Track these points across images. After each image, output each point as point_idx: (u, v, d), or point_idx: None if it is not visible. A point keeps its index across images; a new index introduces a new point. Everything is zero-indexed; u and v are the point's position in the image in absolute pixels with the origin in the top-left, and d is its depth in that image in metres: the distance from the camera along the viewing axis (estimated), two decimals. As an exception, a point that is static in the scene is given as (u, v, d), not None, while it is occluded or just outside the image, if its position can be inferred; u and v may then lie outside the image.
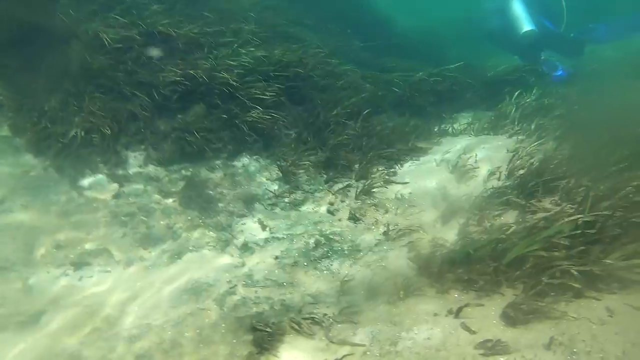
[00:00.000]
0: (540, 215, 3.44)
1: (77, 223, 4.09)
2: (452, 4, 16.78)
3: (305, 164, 5.08)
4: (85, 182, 4.45)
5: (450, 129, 5.91)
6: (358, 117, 5.55)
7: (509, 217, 3.66)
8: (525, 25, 7.61)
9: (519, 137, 5.02)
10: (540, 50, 8.08)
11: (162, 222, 4.29)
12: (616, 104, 4.28)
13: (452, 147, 5.21)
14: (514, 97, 6.50)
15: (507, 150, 4.76)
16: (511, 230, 3.17)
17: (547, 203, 3.59)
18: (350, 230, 4.21)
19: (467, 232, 3.65)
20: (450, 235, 3.79)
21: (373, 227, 4.17)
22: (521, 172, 4.26)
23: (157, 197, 4.54)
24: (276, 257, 3.87)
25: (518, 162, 4.31)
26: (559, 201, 3.52)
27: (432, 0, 17.33)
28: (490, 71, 7.14)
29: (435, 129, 5.94)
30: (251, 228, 4.43)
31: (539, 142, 4.65)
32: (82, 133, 4.55)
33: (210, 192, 4.74)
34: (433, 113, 6.61)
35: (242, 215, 4.58)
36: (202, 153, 4.99)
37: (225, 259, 3.91)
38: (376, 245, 3.86)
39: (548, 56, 7.75)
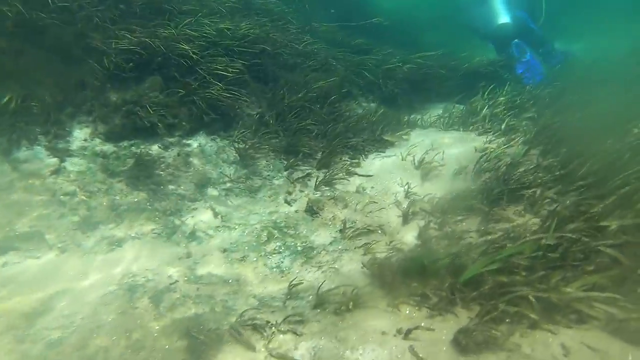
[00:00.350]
0: (503, 226, 3.30)
1: (7, 201, 3.72)
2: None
3: (265, 148, 4.81)
4: (21, 154, 4.05)
5: (419, 121, 5.72)
6: (325, 101, 5.28)
7: (472, 224, 3.51)
8: (502, 17, 7.64)
9: (489, 137, 4.87)
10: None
11: (105, 204, 3.97)
12: (589, 112, 4.16)
13: (420, 140, 5.02)
14: (486, 92, 6.36)
15: (475, 150, 4.61)
16: (471, 241, 3.02)
17: (511, 212, 3.46)
18: (306, 224, 3.99)
19: (427, 236, 3.49)
20: (409, 237, 3.62)
21: (330, 222, 3.96)
22: (487, 175, 4.12)
23: (101, 175, 4.20)
24: (224, 250, 3.63)
25: (485, 164, 4.16)
26: (523, 212, 3.39)
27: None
28: (465, 63, 6.93)
29: (405, 120, 5.73)
30: (202, 215, 4.16)
31: (508, 145, 4.51)
32: (19, 100, 4.13)
33: (161, 172, 4.42)
34: (404, 101, 6.39)
35: (194, 200, 4.30)
36: (156, 129, 4.64)
37: (170, 249, 3.64)
38: (331, 243, 3.65)
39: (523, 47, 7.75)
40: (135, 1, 5.09)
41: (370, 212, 4.02)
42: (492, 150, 4.33)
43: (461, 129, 5.34)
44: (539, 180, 3.52)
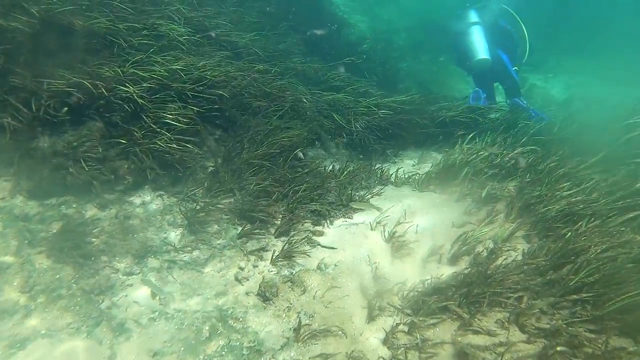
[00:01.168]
0: (482, 340, 2.82)
1: None
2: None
3: (217, 210, 4.23)
4: None
5: (393, 176, 5.23)
6: (289, 154, 4.75)
7: (446, 331, 3.03)
8: (481, 53, 7.60)
9: (468, 205, 4.41)
10: (490, 80, 8.22)
11: (15, 284, 3.33)
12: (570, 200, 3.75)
13: (392, 205, 4.53)
14: (465, 142, 5.95)
15: (453, 224, 4.14)
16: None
17: (492, 321, 2.98)
18: (257, 314, 3.43)
19: (394, 345, 2.98)
20: (373, 342, 3.12)
21: (284, 314, 3.41)
22: (466, 260, 3.65)
23: (15, 244, 3.55)
24: (154, 355, 3.04)
25: (464, 248, 3.69)
26: (507, 323, 2.92)
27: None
28: (443, 109, 6.50)
29: (377, 174, 5.23)
30: (138, 293, 3.56)
31: (489, 219, 4.06)
32: None
33: (94, 240, 3.80)
34: (377, 149, 5.91)
35: (130, 273, 3.69)
36: (91, 185, 4.03)
37: (88, 349, 3.03)
38: (282, 348, 3.11)
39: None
40: (76, 32, 4.45)
41: (331, 302, 3.48)
42: (470, 232, 3.85)
43: (438, 191, 4.88)
44: (526, 284, 3.06)
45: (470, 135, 6.11)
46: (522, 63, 8.35)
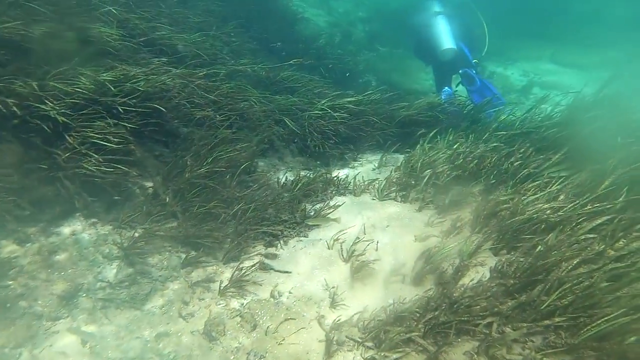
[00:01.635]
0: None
1: None
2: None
3: (158, 237, 3.81)
4: None
5: (351, 184, 4.90)
6: (237, 170, 4.35)
7: (410, 368, 2.73)
8: (447, 43, 7.51)
9: (431, 215, 4.13)
10: (450, 72, 8.02)
11: None
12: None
13: (351, 218, 4.22)
14: (426, 142, 5.69)
15: (415, 238, 3.86)
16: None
17: (460, 353, 2.70)
18: (202, 357, 3.05)
19: (354, 389, 2.66)
20: (332, 385, 2.79)
21: (232, 356, 3.04)
22: (430, 280, 3.37)
23: None
24: (79, 422, 2.63)
25: (428, 267, 3.40)
26: (477, 355, 2.64)
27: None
28: (403, 107, 6.21)
29: (334, 183, 4.90)
30: (64, 341, 3.13)
31: (454, 234, 3.79)
32: None
33: (9, 283, 3.33)
34: (334, 154, 5.58)
35: (56, 318, 3.25)
36: (5, 217, 3.54)
37: (0, 421, 2.59)
38: (230, 401, 2.75)
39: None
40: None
41: (285, 338, 3.13)
42: (434, 247, 3.56)
43: (399, 199, 4.58)
44: (495, 309, 2.79)
45: (432, 134, 5.86)
46: (482, 56, 8.22)
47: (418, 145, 5.75)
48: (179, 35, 5.87)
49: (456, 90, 7.93)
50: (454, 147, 5.31)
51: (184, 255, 3.74)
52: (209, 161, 4.17)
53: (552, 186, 3.82)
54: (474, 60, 7.78)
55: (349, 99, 5.91)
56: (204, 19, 7.16)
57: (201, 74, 5.15)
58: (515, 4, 17.09)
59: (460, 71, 7.72)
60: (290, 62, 7.26)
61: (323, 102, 5.82)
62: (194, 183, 4.00)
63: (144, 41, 5.21)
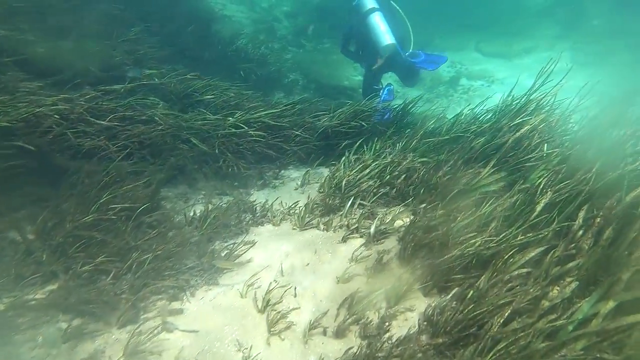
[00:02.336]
0: None
1: None
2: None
3: (33, 305, 3.17)
4: None
5: (269, 211, 4.44)
6: (132, 212, 3.76)
7: None
8: (388, 38, 7.37)
9: (356, 248, 3.74)
10: (385, 69, 8.02)
11: None
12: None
13: (268, 256, 3.76)
14: (352, 153, 5.33)
15: (338, 279, 3.45)
16: None
17: None
18: None
19: None
20: None
21: None
22: (354, 332, 2.98)
23: None
24: None
25: (350, 318, 3.01)
26: None
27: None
28: (325, 118, 5.79)
29: (252, 213, 4.41)
30: None
31: (380, 271, 3.42)
32: None
33: None
34: (251, 174, 5.09)
35: None
36: None
37: None
38: None
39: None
40: None
41: None
42: (358, 290, 3.18)
43: (322, 226, 4.17)
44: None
45: (357, 144, 5.50)
46: (409, 52, 8.04)
47: (344, 158, 5.38)
48: (67, 49, 5.11)
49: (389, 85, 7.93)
50: (381, 159, 4.98)
51: (65, 326, 3.12)
52: (97, 206, 3.55)
53: (483, 207, 3.53)
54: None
55: (266, 112, 5.41)
56: (101, 27, 6.37)
57: (90, 95, 4.46)
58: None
59: (406, 54, 7.75)
60: (211, 65, 6.63)
61: (237, 116, 5.29)
62: (78, 235, 3.38)
63: (17, 61, 4.44)
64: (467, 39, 14.64)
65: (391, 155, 5.12)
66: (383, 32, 7.41)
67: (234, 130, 5.08)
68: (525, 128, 4.31)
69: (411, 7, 8.34)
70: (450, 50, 14.22)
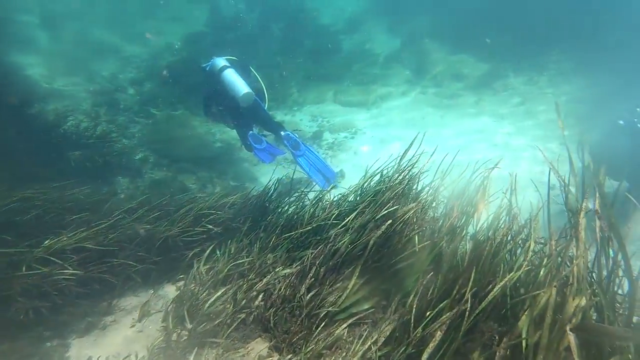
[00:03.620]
0: None
1: None
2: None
3: None
4: None
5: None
6: None
7: None
8: (244, 88, 7.58)
9: None
10: (251, 123, 8.15)
11: None
12: None
13: None
14: (202, 264, 4.44)
15: None
16: None
17: None
18: None
19: None
20: None
21: None
22: None
23: None
24: None
25: None
26: None
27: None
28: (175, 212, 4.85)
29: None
30: None
31: None
32: None
33: None
34: (75, 314, 3.94)
35: None
36: None
37: None
38: None
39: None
40: None
41: None
42: None
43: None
44: None
45: (208, 251, 4.64)
46: (266, 108, 8.31)
47: (193, 270, 4.48)
48: None
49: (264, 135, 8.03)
50: (237, 266, 4.17)
51: None
52: None
53: (355, 346, 2.86)
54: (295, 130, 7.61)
55: (83, 234, 4.30)
56: None
57: None
58: (291, 45, 17.31)
59: (282, 133, 7.86)
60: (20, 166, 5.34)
61: (44, 245, 4.12)
62: None
63: None
64: (324, 90, 14.71)
65: (248, 260, 4.37)
66: (238, 83, 7.62)
67: (39, 268, 3.91)
68: (388, 222, 3.81)
69: (265, 62, 8.61)
70: (309, 104, 14.19)
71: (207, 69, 8.18)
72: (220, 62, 8.02)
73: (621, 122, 5.86)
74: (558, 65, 12.03)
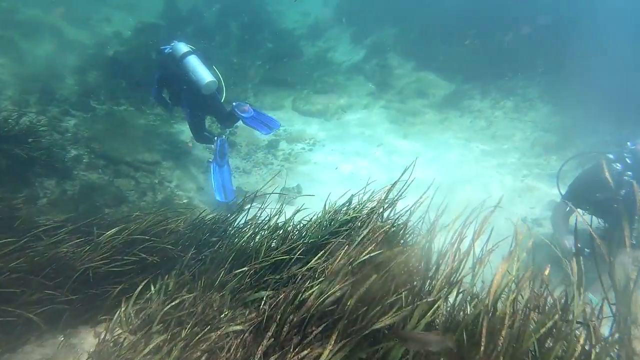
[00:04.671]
0: None
1: None
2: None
3: None
4: None
5: None
6: None
7: None
8: (207, 76, 7.52)
9: None
10: (205, 113, 8.47)
11: None
12: None
13: None
14: (131, 304, 3.57)
15: None
16: None
17: None
18: None
19: None
20: None
21: None
22: None
23: None
24: None
25: None
26: None
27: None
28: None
29: None
30: None
31: None
32: None
33: None
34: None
35: None
36: None
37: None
38: None
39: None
40: None
41: None
42: None
43: None
44: None
45: (140, 287, 3.77)
46: (237, 103, 8.19)
47: (119, 311, 3.60)
48: None
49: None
50: (176, 310, 3.34)
51: None
52: None
53: None
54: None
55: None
56: None
57: None
58: (249, 46, 16.47)
59: (234, 104, 7.99)
60: None
61: None
62: None
63: None
64: (282, 96, 13.94)
65: (188, 304, 3.55)
66: (202, 71, 7.51)
67: None
68: (373, 277, 3.11)
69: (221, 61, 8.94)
70: (265, 110, 13.30)
71: (166, 51, 8.00)
72: (183, 47, 7.85)
73: (611, 155, 5.55)
74: (524, 90, 11.88)
